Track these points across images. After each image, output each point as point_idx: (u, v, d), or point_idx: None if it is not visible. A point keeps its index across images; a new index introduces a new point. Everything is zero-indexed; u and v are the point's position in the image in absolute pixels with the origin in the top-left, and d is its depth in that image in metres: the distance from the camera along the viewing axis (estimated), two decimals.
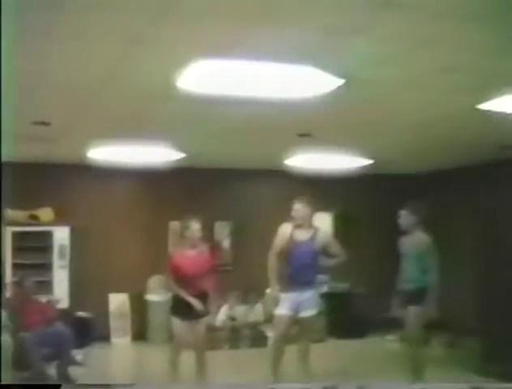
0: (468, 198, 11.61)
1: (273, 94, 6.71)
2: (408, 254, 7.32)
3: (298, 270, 7.35)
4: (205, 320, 7.42)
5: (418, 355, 7.45)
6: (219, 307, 8.04)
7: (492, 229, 8.70)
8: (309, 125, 8.43)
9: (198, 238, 7.42)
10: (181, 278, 7.24)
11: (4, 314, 8.10)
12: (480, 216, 9.02)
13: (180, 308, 7.28)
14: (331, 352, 11.10)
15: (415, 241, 7.30)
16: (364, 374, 8.61)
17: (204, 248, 7.53)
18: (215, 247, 7.47)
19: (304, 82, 6.30)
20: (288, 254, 7.44)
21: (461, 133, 8.91)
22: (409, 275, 7.30)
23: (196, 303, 7.19)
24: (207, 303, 7.38)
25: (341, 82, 6.17)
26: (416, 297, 7.17)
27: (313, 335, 8.08)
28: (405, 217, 7.36)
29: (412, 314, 7.22)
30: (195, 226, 7.34)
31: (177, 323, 7.34)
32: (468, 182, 11.74)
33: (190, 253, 7.36)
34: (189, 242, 7.36)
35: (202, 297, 7.31)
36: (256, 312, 11.60)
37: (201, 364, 7.45)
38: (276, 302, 7.51)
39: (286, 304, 7.44)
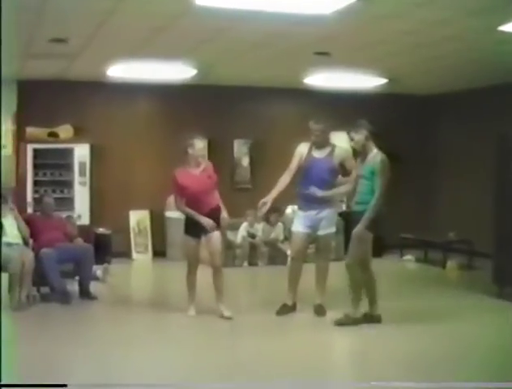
0: (484, 120, 11.46)
1: (289, 9, 6.57)
2: (361, 174, 6.94)
3: (316, 187, 7.27)
4: (218, 235, 7.38)
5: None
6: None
7: (507, 153, 8.55)
8: (325, 43, 8.30)
9: (202, 156, 7.36)
10: (189, 197, 7.20)
11: (26, 229, 8.19)
12: (495, 139, 8.84)
13: (191, 226, 7.28)
14: None
15: (368, 160, 6.86)
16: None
17: (208, 165, 7.41)
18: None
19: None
20: (306, 171, 7.37)
21: (476, 54, 8.80)
22: (359, 196, 6.93)
23: (205, 220, 7.16)
24: (219, 218, 7.32)
25: None
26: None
27: (331, 253, 8.07)
28: (353, 136, 6.96)
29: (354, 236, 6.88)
30: (199, 144, 7.27)
31: (190, 241, 7.36)
32: (482, 103, 11.58)
33: (194, 171, 7.27)
34: (193, 161, 7.26)
35: (213, 212, 7.28)
36: (276, 230, 11.64)
37: (218, 280, 7.42)
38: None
39: (303, 221, 7.45)
